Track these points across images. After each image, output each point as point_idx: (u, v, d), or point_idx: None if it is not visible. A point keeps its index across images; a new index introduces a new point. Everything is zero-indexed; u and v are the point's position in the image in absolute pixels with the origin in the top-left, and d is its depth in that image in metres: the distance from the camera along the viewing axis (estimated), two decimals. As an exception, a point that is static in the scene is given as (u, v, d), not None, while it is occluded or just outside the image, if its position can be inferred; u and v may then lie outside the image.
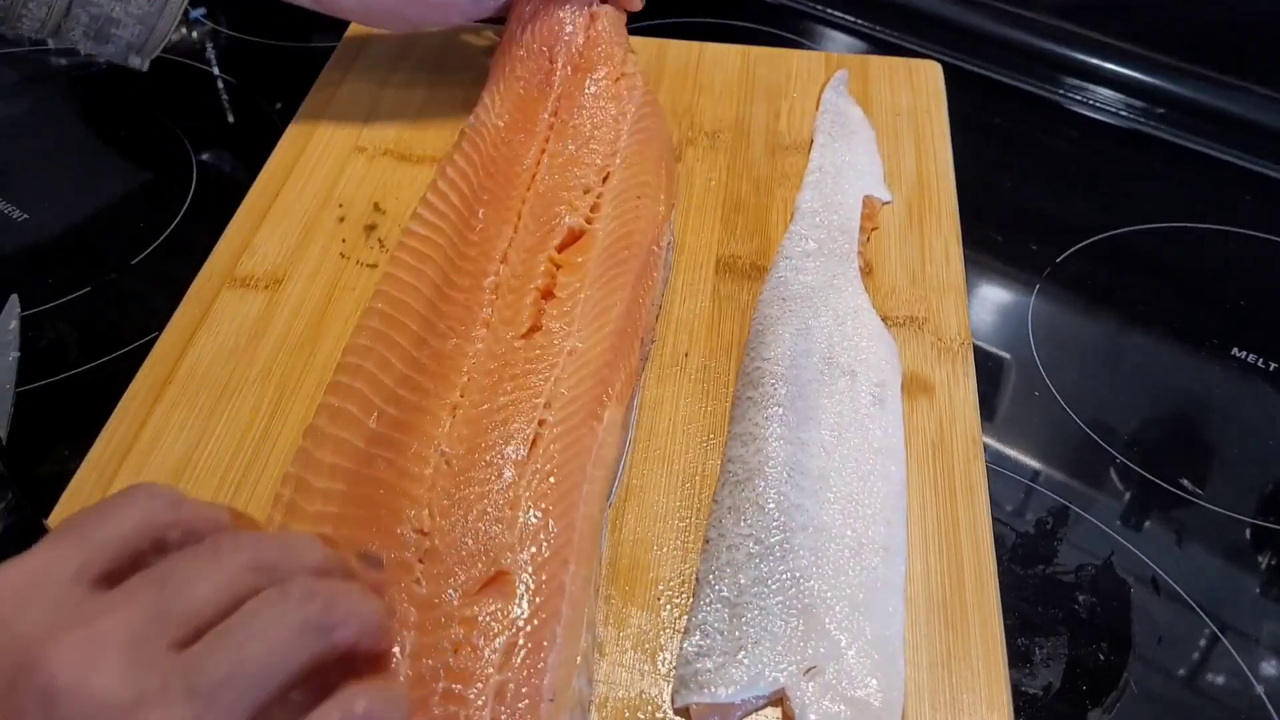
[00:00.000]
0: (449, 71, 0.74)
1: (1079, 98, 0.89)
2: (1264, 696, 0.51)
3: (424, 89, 0.73)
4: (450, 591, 0.44)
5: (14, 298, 0.64)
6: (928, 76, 0.75)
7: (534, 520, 0.46)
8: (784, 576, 0.46)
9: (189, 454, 0.51)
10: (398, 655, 0.41)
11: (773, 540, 0.47)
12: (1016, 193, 0.80)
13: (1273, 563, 0.57)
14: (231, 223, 0.63)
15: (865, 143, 0.69)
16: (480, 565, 0.44)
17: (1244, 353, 0.68)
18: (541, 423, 0.50)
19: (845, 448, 0.51)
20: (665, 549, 0.49)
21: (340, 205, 0.64)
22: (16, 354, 0.62)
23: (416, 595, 0.44)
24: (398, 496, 0.47)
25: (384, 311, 0.54)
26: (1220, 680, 0.52)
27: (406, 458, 0.48)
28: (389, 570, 0.44)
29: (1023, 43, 0.91)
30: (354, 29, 0.78)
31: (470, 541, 0.45)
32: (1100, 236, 0.75)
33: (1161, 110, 0.87)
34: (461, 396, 0.51)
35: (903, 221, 0.64)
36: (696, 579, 0.47)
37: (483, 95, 0.67)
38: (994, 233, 0.74)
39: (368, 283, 0.59)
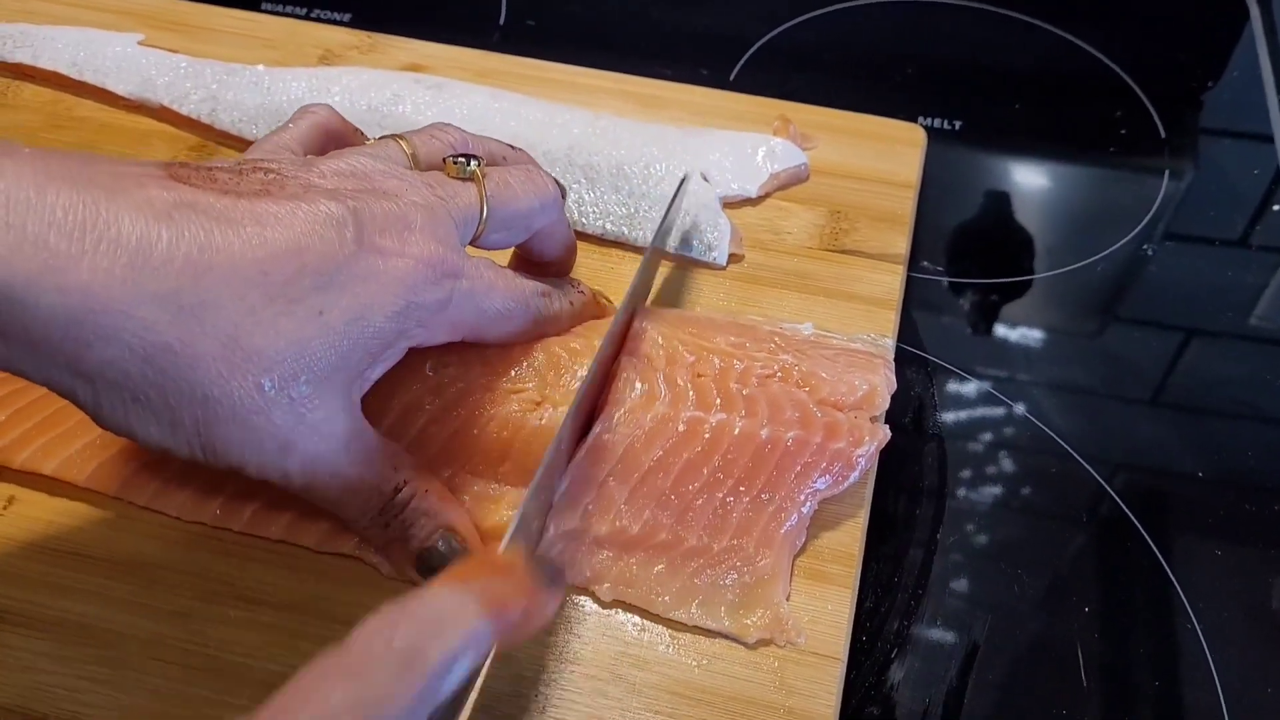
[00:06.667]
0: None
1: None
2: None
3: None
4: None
5: None
6: None
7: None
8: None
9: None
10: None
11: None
12: (663, 22, 0.77)
13: (973, 309, 0.59)
14: None
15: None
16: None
17: (929, 119, 0.67)
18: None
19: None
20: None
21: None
22: None
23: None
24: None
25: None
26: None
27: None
28: None
29: None
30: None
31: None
32: (762, 41, 0.73)
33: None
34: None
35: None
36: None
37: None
38: (663, 68, 0.70)
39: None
